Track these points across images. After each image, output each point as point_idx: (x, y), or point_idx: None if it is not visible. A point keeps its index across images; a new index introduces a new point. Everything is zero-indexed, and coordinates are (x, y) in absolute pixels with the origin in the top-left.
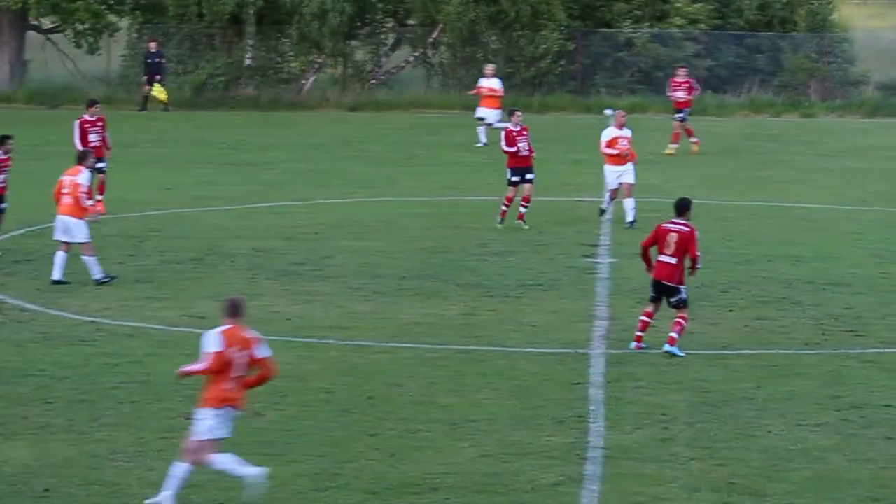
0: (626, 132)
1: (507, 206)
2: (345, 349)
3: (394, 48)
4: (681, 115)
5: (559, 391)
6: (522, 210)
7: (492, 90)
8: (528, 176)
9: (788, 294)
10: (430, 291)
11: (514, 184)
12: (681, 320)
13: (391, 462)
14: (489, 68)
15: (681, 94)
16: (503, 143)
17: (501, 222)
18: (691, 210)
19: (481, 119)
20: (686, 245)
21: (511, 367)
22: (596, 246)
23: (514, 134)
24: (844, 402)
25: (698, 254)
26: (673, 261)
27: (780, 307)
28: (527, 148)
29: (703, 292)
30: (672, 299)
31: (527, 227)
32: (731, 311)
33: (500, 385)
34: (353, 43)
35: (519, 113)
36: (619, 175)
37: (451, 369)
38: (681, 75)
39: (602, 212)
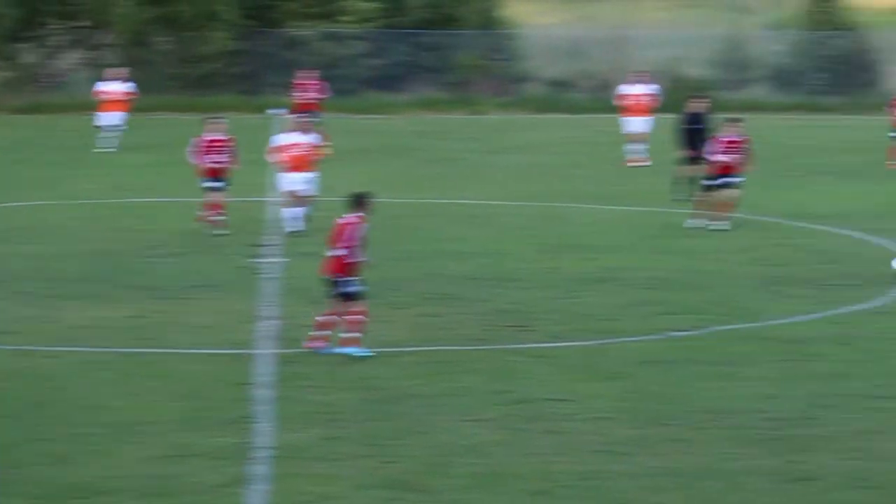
0: (305, 138)
1: (209, 214)
2: (9, 354)
3: (64, 50)
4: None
5: (228, 392)
6: (212, 217)
7: (125, 94)
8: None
9: (456, 290)
10: (98, 294)
11: (210, 190)
12: (351, 317)
13: (58, 467)
14: (114, 72)
15: (309, 95)
16: (192, 153)
17: (213, 230)
18: (367, 205)
19: (104, 125)
20: (350, 235)
21: (179, 368)
22: (265, 246)
23: (206, 144)
24: (511, 397)
25: (355, 244)
26: (336, 253)
27: (447, 304)
28: (219, 159)
29: (372, 290)
30: (336, 292)
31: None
32: (399, 308)
33: (169, 387)
34: (22, 45)
35: (217, 120)
36: (292, 181)
37: (119, 372)
38: (304, 77)
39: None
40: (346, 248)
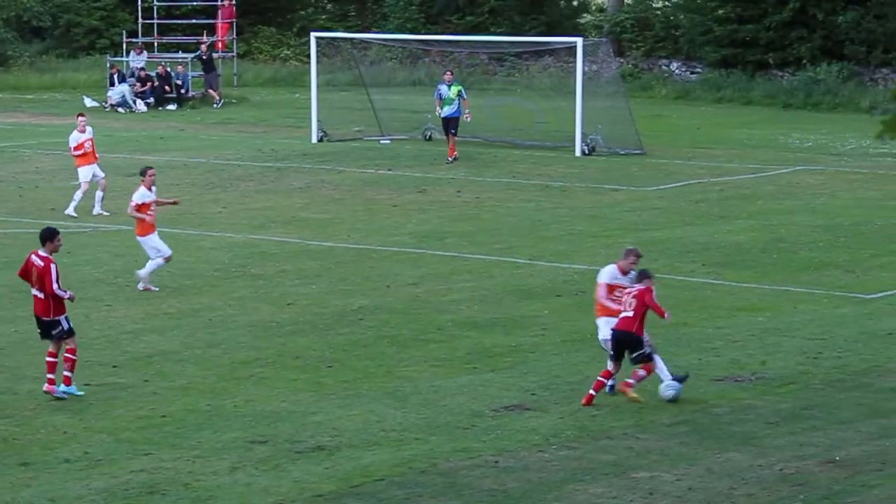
0: None
1: None
2: None
3: None
4: None
5: None
6: None
7: None
8: None
9: None
10: None
11: None
12: (69, 355)
13: None
14: None
15: None
16: None
17: None
18: (56, 240)
19: None
20: (41, 279)
21: None
22: None
23: None
24: None
25: (54, 287)
26: (40, 295)
27: None
28: None
29: None
30: (52, 332)
31: None
32: None
33: None
34: None
35: None
36: None
37: None
38: None
39: None
40: (47, 292)
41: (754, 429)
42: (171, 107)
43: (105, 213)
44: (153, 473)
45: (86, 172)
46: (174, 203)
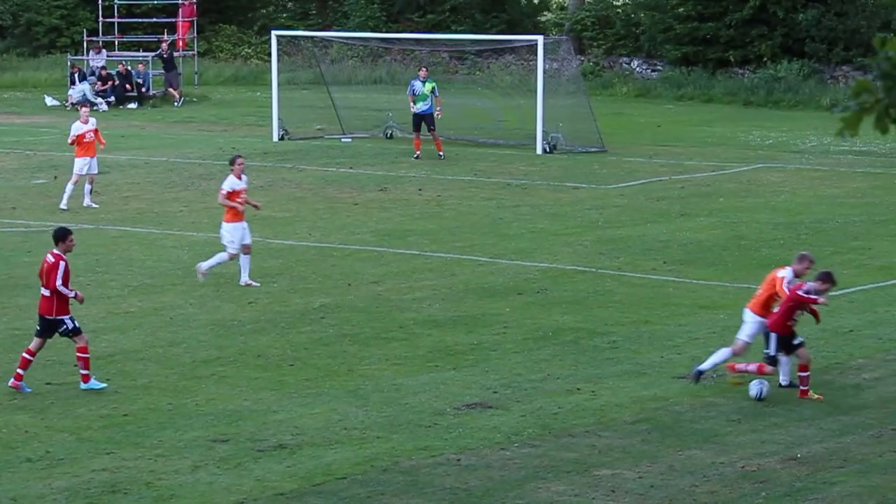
0: None
1: None
2: None
3: None
4: None
5: None
6: None
7: None
8: None
9: None
10: None
11: None
12: (80, 354)
13: None
14: None
15: None
16: None
17: None
18: (68, 240)
19: None
20: (49, 275)
21: None
22: None
23: None
24: None
25: (58, 284)
26: (46, 292)
27: None
28: None
29: None
30: (59, 331)
31: None
32: None
33: None
34: None
35: None
36: None
37: None
38: None
39: None
40: (49, 287)
41: (716, 426)
42: (132, 105)
43: (94, 206)
44: (115, 472)
45: (80, 164)
46: (256, 207)
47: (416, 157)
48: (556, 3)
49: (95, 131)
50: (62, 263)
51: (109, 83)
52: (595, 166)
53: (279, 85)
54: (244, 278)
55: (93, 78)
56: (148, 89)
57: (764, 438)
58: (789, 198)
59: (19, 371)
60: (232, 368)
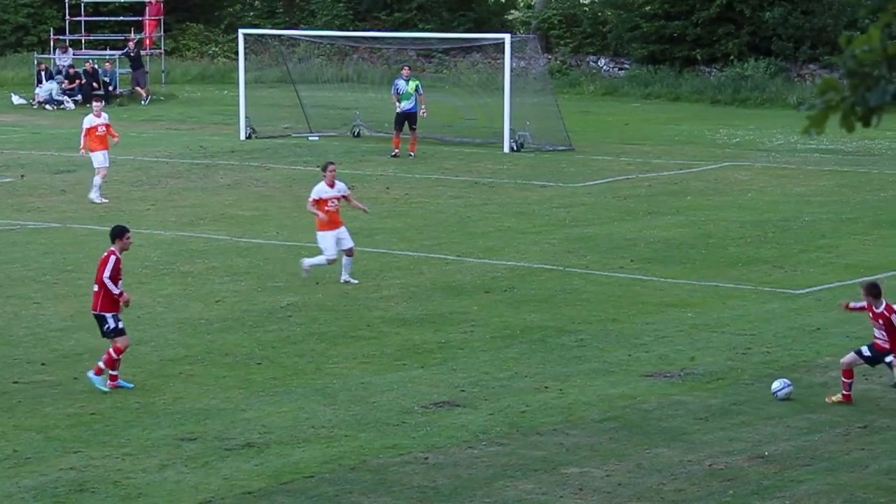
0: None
1: None
2: None
3: None
4: None
5: None
6: None
7: None
8: None
9: None
10: None
11: None
12: (112, 351)
13: None
14: None
15: None
16: None
17: None
18: (124, 238)
19: None
20: (98, 269)
21: None
22: None
23: None
24: None
25: (104, 276)
26: (95, 288)
27: None
28: None
29: None
30: (101, 329)
31: None
32: None
33: None
34: None
35: None
36: None
37: None
38: None
39: None
40: (96, 281)
41: (683, 424)
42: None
43: (104, 201)
44: (82, 471)
45: (99, 157)
46: (364, 210)
47: (394, 156)
48: (522, 1)
49: (107, 125)
50: (112, 258)
51: (77, 82)
52: (562, 165)
53: (246, 83)
54: (344, 276)
55: (60, 76)
56: (115, 88)
57: (732, 436)
58: (756, 196)
59: (105, 368)
60: (199, 367)
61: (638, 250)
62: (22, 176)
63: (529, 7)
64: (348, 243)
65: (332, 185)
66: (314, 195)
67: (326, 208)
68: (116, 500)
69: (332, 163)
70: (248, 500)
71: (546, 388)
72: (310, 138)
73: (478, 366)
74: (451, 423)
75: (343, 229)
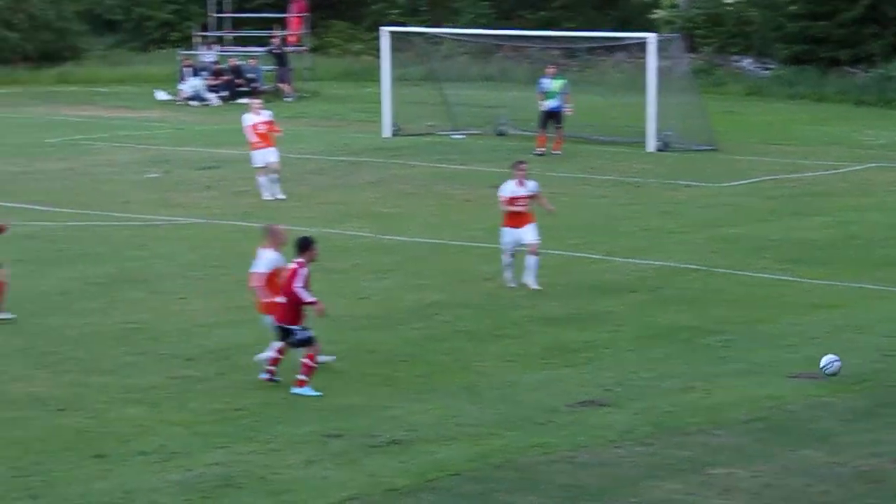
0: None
1: None
2: None
3: None
4: None
5: None
6: None
7: None
8: None
9: None
10: None
11: None
12: (307, 361)
13: None
14: None
15: None
16: None
17: None
18: (313, 249)
19: None
20: (288, 281)
21: None
22: None
23: None
24: None
25: (296, 287)
26: (282, 300)
27: None
28: None
29: None
30: (288, 340)
31: None
32: None
33: None
34: None
35: None
36: None
37: None
38: None
39: None
40: (286, 295)
41: (829, 426)
42: (244, 100)
43: (281, 197)
44: (229, 466)
45: (258, 157)
46: (551, 210)
47: (539, 154)
48: (667, 0)
49: (269, 122)
50: (303, 269)
51: (221, 78)
52: (707, 164)
53: (390, 81)
54: (527, 278)
55: (205, 73)
56: (259, 84)
57: (878, 439)
58: None
59: (307, 378)
60: (345, 364)
61: (783, 251)
62: (167, 171)
63: (674, 6)
64: (528, 238)
65: (521, 184)
66: (504, 193)
67: (515, 207)
68: (262, 496)
69: (522, 161)
70: (392, 497)
71: (692, 388)
72: (454, 136)
73: (624, 365)
74: (596, 422)
75: (528, 228)
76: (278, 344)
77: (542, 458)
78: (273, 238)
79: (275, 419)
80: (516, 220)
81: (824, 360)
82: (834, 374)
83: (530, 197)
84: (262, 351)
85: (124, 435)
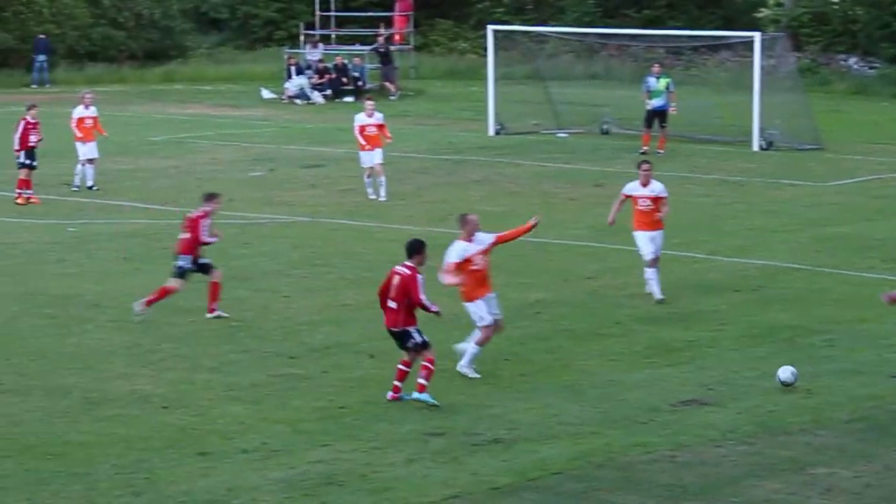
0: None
1: None
2: None
3: None
4: None
5: None
6: None
7: None
8: None
9: None
10: None
11: None
12: (427, 364)
13: None
14: None
15: None
16: None
17: None
18: (423, 253)
19: None
20: (406, 289)
21: None
22: None
23: None
24: None
25: (421, 298)
26: (394, 305)
27: None
28: None
29: None
30: (406, 344)
31: None
32: None
33: None
34: None
35: None
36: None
37: None
38: None
39: None
40: (413, 302)
41: None
42: (349, 99)
43: (381, 199)
44: (331, 464)
45: (365, 158)
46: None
47: (643, 153)
48: None
49: (380, 126)
50: (419, 276)
51: (326, 77)
52: (812, 163)
53: (495, 80)
54: (652, 287)
55: (310, 71)
56: (364, 83)
57: None
58: None
59: (396, 384)
60: (447, 362)
61: (888, 250)
62: (272, 170)
63: (779, 5)
64: (652, 247)
65: (645, 185)
66: (626, 191)
67: (638, 207)
68: (364, 494)
69: (646, 161)
70: (494, 495)
71: (794, 387)
72: (558, 135)
73: (726, 364)
74: (698, 421)
75: (658, 233)
76: (477, 335)
77: (644, 457)
78: (466, 227)
79: (377, 417)
80: (644, 223)
81: (784, 374)
82: (785, 384)
83: (654, 199)
84: (366, 350)
85: (227, 433)
